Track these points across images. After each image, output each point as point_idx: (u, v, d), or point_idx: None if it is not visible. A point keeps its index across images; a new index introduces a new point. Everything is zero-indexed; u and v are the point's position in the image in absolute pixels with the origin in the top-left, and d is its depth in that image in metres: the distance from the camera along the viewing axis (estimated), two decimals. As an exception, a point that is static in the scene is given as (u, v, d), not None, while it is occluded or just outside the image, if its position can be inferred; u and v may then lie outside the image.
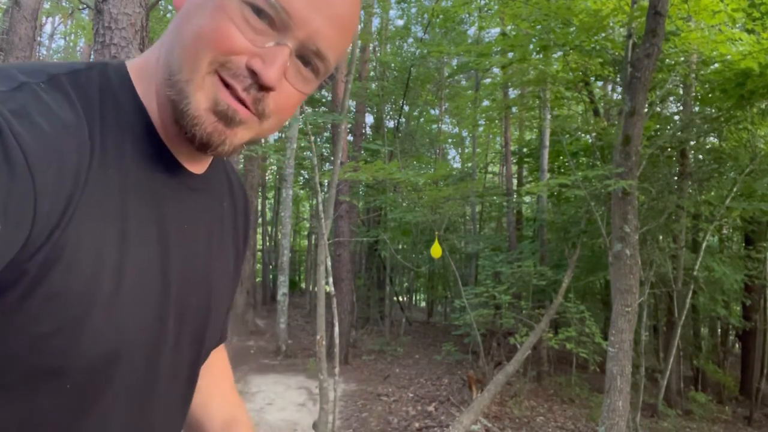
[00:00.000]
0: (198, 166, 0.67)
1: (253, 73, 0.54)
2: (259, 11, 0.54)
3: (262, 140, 16.44)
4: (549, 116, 10.22)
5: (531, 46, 7.43)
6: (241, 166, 12.99)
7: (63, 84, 0.54)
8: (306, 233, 22.75)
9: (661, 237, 8.45)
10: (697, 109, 8.26)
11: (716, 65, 7.04)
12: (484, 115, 12.89)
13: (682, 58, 6.96)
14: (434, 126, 19.04)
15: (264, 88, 0.55)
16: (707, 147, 9.28)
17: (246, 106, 0.56)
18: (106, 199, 0.54)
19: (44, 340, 0.51)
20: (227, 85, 0.55)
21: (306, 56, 0.57)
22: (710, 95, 7.61)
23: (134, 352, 0.58)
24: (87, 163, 0.52)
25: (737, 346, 12.76)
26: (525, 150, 13.53)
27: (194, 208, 0.66)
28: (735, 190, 7.63)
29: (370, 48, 13.51)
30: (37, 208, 0.47)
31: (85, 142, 0.52)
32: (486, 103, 13.18)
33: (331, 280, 5.47)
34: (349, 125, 11.53)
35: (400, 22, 17.23)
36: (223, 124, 0.56)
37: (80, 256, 0.51)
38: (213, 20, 0.54)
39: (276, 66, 0.54)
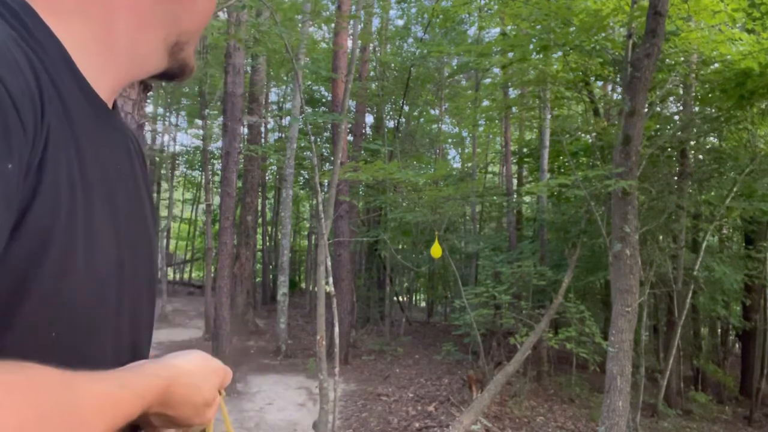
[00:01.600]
0: (110, 103, 0.65)
1: None
2: None
3: (262, 141, 16.43)
4: (549, 116, 10.22)
5: (531, 46, 7.43)
6: (241, 165, 12.99)
7: None
8: (306, 233, 22.74)
9: (661, 237, 8.45)
10: (697, 109, 8.26)
11: (716, 65, 7.04)
12: (484, 115, 12.89)
13: (682, 58, 6.96)
14: (434, 126, 19.04)
15: None
16: (707, 147, 9.29)
17: None
18: (64, 133, 0.51)
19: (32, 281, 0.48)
20: None
21: None
22: (710, 95, 7.61)
23: (110, 287, 0.57)
24: (39, 95, 0.48)
25: (737, 346, 12.76)
26: (525, 150, 13.54)
27: (120, 146, 0.65)
28: (735, 190, 7.63)
29: (370, 48, 13.51)
30: (29, 144, 0.45)
31: (30, 74, 0.48)
32: (486, 103, 13.18)
33: (331, 280, 5.47)
34: (349, 125, 11.53)
35: (400, 22, 17.23)
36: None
37: (57, 192, 0.49)
38: (211, 5, 0.70)
39: None
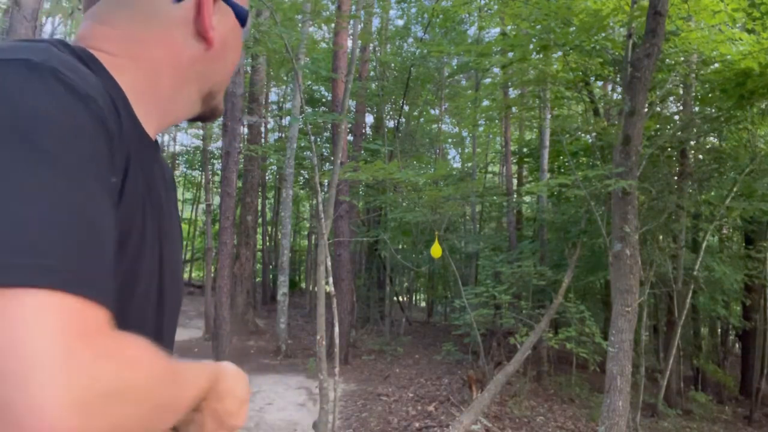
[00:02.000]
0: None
1: None
2: None
3: (262, 141, 16.42)
4: (549, 116, 10.22)
5: (531, 46, 7.43)
6: (241, 165, 13.00)
7: (56, 56, 0.57)
8: (306, 233, 22.74)
9: (661, 237, 8.45)
10: (697, 109, 8.26)
11: (716, 65, 7.04)
12: (484, 115, 12.90)
13: (682, 58, 6.96)
14: (434, 126, 19.04)
15: None
16: (707, 147, 9.29)
17: None
18: (135, 159, 0.61)
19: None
20: None
21: None
22: (710, 95, 7.61)
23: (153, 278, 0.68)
24: (120, 129, 0.57)
25: (737, 346, 12.76)
26: (525, 150, 13.54)
27: (160, 174, 0.75)
28: (735, 190, 7.63)
29: (370, 48, 13.50)
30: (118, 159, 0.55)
31: (113, 112, 0.57)
32: (486, 103, 13.18)
33: (331, 280, 5.47)
34: (349, 125, 11.52)
35: (400, 22, 17.22)
36: None
37: (132, 205, 0.59)
38: (237, 55, 0.79)
39: None
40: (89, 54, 0.62)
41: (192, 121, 0.82)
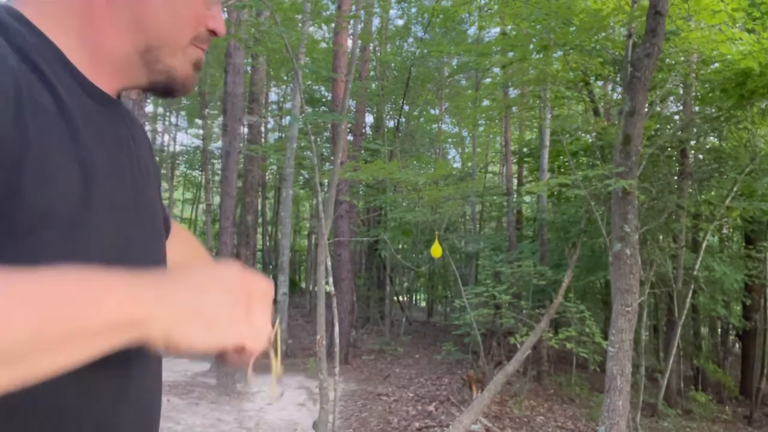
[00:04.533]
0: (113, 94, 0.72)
1: (213, 33, 0.71)
2: None
3: (262, 140, 16.42)
4: (549, 116, 10.22)
5: (531, 46, 7.42)
6: (241, 165, 12.98)
7: None
8: (306, 233, 22.73)
9: (661, 237, 8.44)
10: (697, 108, 8.26)
11: (716, 65, 7.04)
12: (484, 114, 12.89)
13: (682, 58, 6.95)
14: (434, 126, 19.04)
15: (216, 36, 0.72)
16: (707, 147, 9.28)
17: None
18: (55, 119, 0.56)
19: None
20: (199, 49, 0.71)
21: None
22: (710, 95, 7.61)
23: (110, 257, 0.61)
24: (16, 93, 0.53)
25: (737, 346, 12.76)
26: (525, 150, 13.53)
27: (124, 132, 0.71)
28: (735, 189, 7.63)
29: (370, 48, 13.50)
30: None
31: (10, 63, 0.53)
32: (486, 102, 13.18)
33: (331, 280, 5.47)
34: (349, 125, 11.52)
35: (400, 22, 17.22)
36: (196, 71, 0.72)
37: (54, 174, 0.54)
38: (190, 5, 0.68)
39: (221, 20, 0.72)
40: (13, 11, 0.60)
41: (154, 94, 0.73)
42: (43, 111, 0.54)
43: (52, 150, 0.54)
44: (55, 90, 0.57)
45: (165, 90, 0.71)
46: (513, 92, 11.81)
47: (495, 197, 14.35)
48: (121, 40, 0.66)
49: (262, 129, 16.62)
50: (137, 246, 0.67)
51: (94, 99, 0.64)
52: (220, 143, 13.91)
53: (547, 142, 10.39)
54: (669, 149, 8.18)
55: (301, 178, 17.72)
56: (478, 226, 15.70)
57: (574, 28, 6.68)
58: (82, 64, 0.63)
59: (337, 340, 5.34)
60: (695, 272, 8.04)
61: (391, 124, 15.73)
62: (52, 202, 0.53)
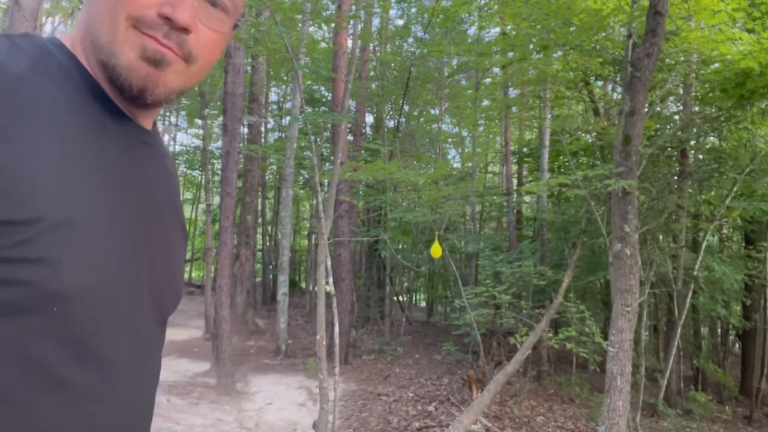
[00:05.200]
0: (145, 124, 0.70)
1: (167, 19, 0.60)
2: None
3: (262, 140, 16.41)
4: (549, 116, 10.22)
5: (531, 46, 7.42)
6: (241, 165, 12.98)
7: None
8: (306, 233, 22.72)
9: (661, 237, 8.44)
10: (697, 108, 8.25)
11: (716, 65, 7.04)
12: (484, 114, 12.89)
13: (682, 58, 6.95)
14: (434, 126, 19.03)
15: (180, 29, 0.61)
16: (707, 147, 9.28)
17: (173, 51, 0.62)
18: (57, 135, 0.56)
19: (23, 268, 0.52)
20: (149, 37, 0.61)
21: None
22: (710, 95, 7.61)
23: (117, 286, 0.60)
24: (20, 94, 0.54)
25: (737, 346, 12.76)
26: (525, 150, 13.53)
27: (149, 162, 0.70)
28: (735, 189, 7.63)
29: (370, 48, 13.49)
30: None
31: (13, 73, 0.55)
32: (486, 102, 13.18)
33: (331, 280, 5.47)
34: (349, 125, 11.52)
35: (400, 22, 17.21)
36: (153, 67, 0.61)
37: (32, 185, 0.53)
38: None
39: (184, 6, 0.60)
40: (55, 40, 0.63)
41: (125, 100, 0.66)
42: (28, 126, 0.54)
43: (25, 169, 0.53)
44: (61, 106, 0.57)
45: (121, 90, 0.62)
46: (513, 92, 11.81)
47: (495, 197, 14.35)
48: (87, 48, 0.64)
49: (262, 129, 16.62)
50: (149, 270, 0.67)
51: (111, 116, 0.64)
52: (220, 143, 13.90)
53: (547, 142, 10.39)
54: (669, 149, 8.17)
55: (301, 178, 17.72)
56: (478, 226, 15.70)
57: (574, 28, 6.68)
58: (101, 82, 0.64)
59: (337, 340, 5.34)
60: (695, 272, 8.04)
61: (391, 124, 15.73)
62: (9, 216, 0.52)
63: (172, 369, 8.10)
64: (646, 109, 5.29)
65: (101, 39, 0.60)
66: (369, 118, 15.56)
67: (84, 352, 0.57)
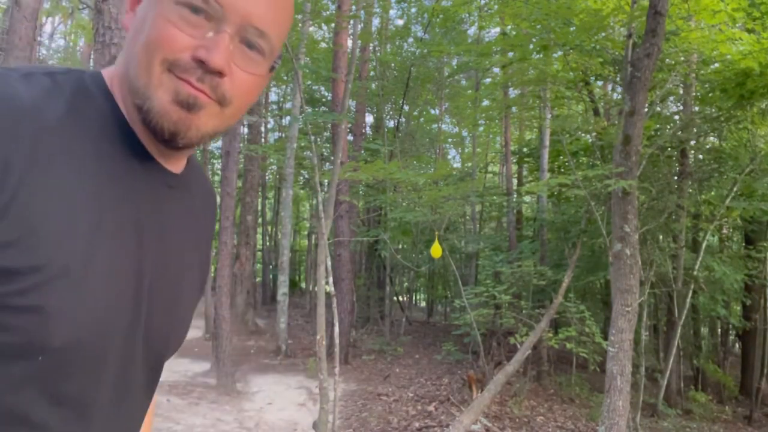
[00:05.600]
0: (175, 166, 0.71)
1: (201, 63, 0.59)
2: (194, 8, 0.59)
3: (262, 140, 16.42)
4: (549, 116, 10.22)
5: (531, 46, 7.42)
6: (241, 165, 12.99)
7: (37, 77, 0.59)
8: (306, 233, 22.73)
9: (661, 237, 8.44)
10: (697, 108, 8.25)
11: (716, 65, 7.03)
12: (484, 114, 12.90)
13: (682, 58, 6.95)
14: (434, 126, 19.04)
15: (215, 72, 0.60)
16: (707, 147, 9.28)
17: (206, 95, 0.61)
18: (75, 182, 0.57)
19: (9, 316, 0.52)
20: (183, 81, 0.61)
21: (248, 39, 0.62)
22: (710, 95, 7.60)
23: (106, 337, 0.60)
24: (49, 142, 0.55)
25: (737, 346, 12.76)
26: (525, 150, 13.53)
27: (171, 205, 0.70)
28: (735, 189, 7.63)
29: (370, 48, 13.49)
30: None
31: (51, 125, 0.56)
32: (486, 102, 13.19)
33: (331, 280, 5.47)
34: (349, 125, 11.52)
35: (400, 22, 17.21)
36: (186, 111, 0.61)
37: (40, 223, 0.54)
38: (155, 28, 0.60)
39: (219, 50, 0.59)
40: (97, 78, 0.65)
41: (159, 141, 0.65)
42: (42, 165, 0.54)
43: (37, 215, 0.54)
44: (85, 148, 0.59)
45: (153, 133, 0.63)
46: (513, 92, 11.81)
47: (495, 197, 14.35)
48: (124, 88, 0.65)
49: (262, 129, 16.63)
50: (149, 318, 0.66)
51: (138, 159, 0.64)
52: (220, 143, 13.90)
53: (547, 142, 10.39)
54: (669, 149, 8.17)
55: (301, 178, 17.72)
56: (478, 226, 15.70)
57: (574, 28, 6.68)
58: (134, 124, 0.64)
59: (337, 340, 5.34)
60: (695, 272, 8.04)
61: (391, 124, 15.73)
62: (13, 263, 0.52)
63: (172, 369, 8.10)
64: (646, 109, 5.29)
65: (137, 82, 0.61)
66: (369, 118, 15.58)
67: (63, 401, 0.57)
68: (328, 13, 13.54)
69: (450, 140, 19.87)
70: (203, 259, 0.80)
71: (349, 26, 10.14)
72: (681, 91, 8.29)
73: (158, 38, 0.59)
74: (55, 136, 0.56)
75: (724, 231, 11.08)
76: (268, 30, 0.63)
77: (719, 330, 12.11)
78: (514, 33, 8.19)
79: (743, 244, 10.69)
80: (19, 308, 0.53)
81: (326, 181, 9.23)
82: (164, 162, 0.69)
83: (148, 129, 0.62)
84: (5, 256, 0.52)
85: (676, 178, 8.56)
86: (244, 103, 0.66)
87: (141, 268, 0.64)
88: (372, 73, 14.06)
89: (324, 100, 16.59)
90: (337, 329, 5.41)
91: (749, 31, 6.29)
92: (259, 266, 19.86)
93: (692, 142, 8.71)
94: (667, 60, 6.93)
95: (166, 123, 0.61)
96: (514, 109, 11.43)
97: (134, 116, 0.63)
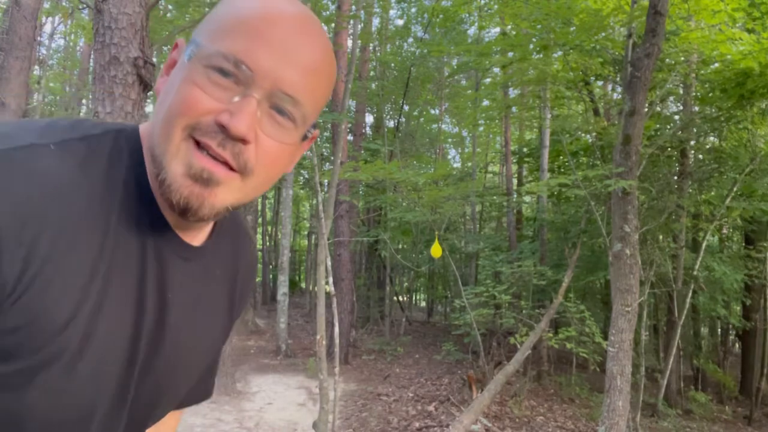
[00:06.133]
0: (195, 237, 0.68)
1: (223, 128, 0.56)
2: (223, 72, 0.56)
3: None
4: (549, 116, 10.22)
5: (531, 46, 7.42)
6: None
7: (72, 145, 0.57)
8: (306, 233, 22.75)
9: (661, 237, 8.44)
10: (697, 108, 8.25)
11: (716, 65, 7.03)
12: (484, 114, 12.88)
13: (682, 58, 6.95)
14: (434, 126, 19.04)
15: (237, 139, 0.56)
16: (707, 147, 9.28)
17: (226, 163, 0.57)
18: (89, 260, 0.56)
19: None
20: (202, 146, 0.57)
21: (279, 105, 0.58)
22: (710, 95, 7.60)
23: (87, 416, 0.59)
24: (74, 225, 0.54)
25: (737, 345, 12.76)
26: (525, 150, 13.53)
27: (185, 277, 0.67)
28: (735, 189, 7.63)
29: (370, 48, 13.50)
30: (2, 267, 0.50)
31: (78, 205, 0.55)
32: (486, 102, 13.17)
33: (331, 280, 5.47)
34: (349, 125, 11.52)
35: (400, 22, 17.22)
36: (199, 186, 0.57)
37: (48, 313, 0.53)
38: (180, 91, 0.57)
39: (243, 115, 0.55)
40: (132, 140, 0.63)
41: (177, 212, 0.61)
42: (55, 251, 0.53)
43: (44, 304, 0.53)
44: (107, 222, 0.58)
45: (170, 204, 0.59)
46: (513, 92, 11.81)
47: (495, 197, 14.35)
48: (147, 153, 0.63)
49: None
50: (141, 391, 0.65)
51: (156, 231, 0.63)
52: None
53: (547, 142, 10.39)
54: (669, 149, 8.17)
55: (301, 178, 17.73)
56: (478, 226, 15.70)
57: (574, 28, 6.68)
58: (155, 192, 0.62)
59: (337, 340, 5.34)
60: (695, 272, 8.04)
61: (391, 124, 15.73)
62: (21, 346, 0.52)
63: (172, 369, 8.09)
64: (646, 109, 5.29)
65: (157, 149, 0.58)
66: (369, 118, 15.58)
67: None
68: (328, 13, 13.54)
69: (450, 140, 19.88)
70: (224, 323, 0.78)
71: (349, 26, 10.15)
72: (681, 91, 8.29)
73: (182, 102, 0.57)
74: (81, 218, 0.55)
75: (724, 231, 11.08)
76: (301, 97, 0.59)
77: (719, 330, 12.12)
78: (514, 33, 8.19)
79: (743, 244, 10.69)
80: (8, 386, 0.53)
81: (326, 181, 9.23)
82: (182, 233, 0.66)
83: (164, 200, 0.60)
84: (9, 340, 0.52)
85: (676, 178, 8.56)
86: (270, 175, 0.61)
87: (136, 346, 0.62)
88: (372, 73, 14.06)
89: (324, 100, 16.56)
90: (337, 329, 5.41)
91: (749, 31, 6.29)
92: (259, 266, 19.86)
93: (692, 142, 8.71)
94: (667, 60, 6.93)
95: (177, 197, 0.57)
96: (514, 109, 11.43)
97: (154, 185, 0.61)
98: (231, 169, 0.57)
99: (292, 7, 0.60)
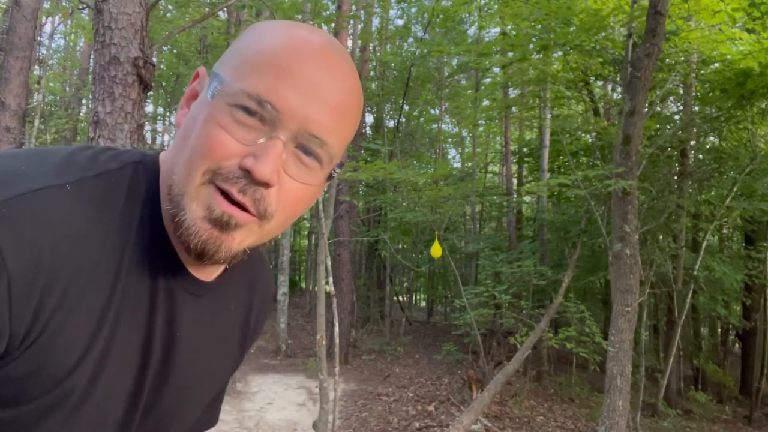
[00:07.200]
0: (206, 273, 0.68)
1: (247, 173, 0.55)
2: (247, 111, 0.55)
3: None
4: (549, 116, 10.22)
5: (531, 46, 7.42)
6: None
7: (89, 184, 0.57)
8: (306, 233, 22.74)
9: (661, 237, 8.44)
10: (697, 108, 8.25)
11: (716, 65, 7.04)
12: (484, 114, 12.88)
13: (682, 58, 6.95)
14: (434, 126, 19.05)
15: (261, 184, 0.55)
16: (707, 147, 9.28)
17: (245, 209, 0.56)
18: (100, 305, 0.55)
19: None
20: (223, 192, 0.56)
21: (305, 145, 0.57)
22: (710, 95, 7.61)
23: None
24: (86, 273, 0.54)
25: (737, 346, 12.76)
26: (525, 150, 13.54)
27: (195, 313, 0.67)
28: (735, 189, 7.63)
29: (370, 48, 13.50)
30: (12, 317, 0.49)
31: (92, 252, 0.54)
32: (486, 102, 13.17)
33: (331, 280, 5.47)
34: (349, 125, 11.49)
35: (400, 22, 17.23)
36: (218, 230, 0.56)
37: (58, 359, 0.53)
38: (203, 131, 0.56)
39: (268, 160, 0.54)
40: (151, 174, 0.62)
41: (192, 255, 0.60)
42: (67, 299, 0.53)
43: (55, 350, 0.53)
44: (120, 262, 0.57)
45: (186, 247, 0.58)
46: (513, 92, 11.80)
47: (495, 197, 14.35)
48: (164, 189, 0.62)
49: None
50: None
51: (166, 269, 0.62)
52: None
53: (547, 142, 10.39)
54: (669, 149, 8.18)
55: (301, 178, 17.71)
56: (478, 226, 15.71)
57: (574, 28, 6.68)
58: (169, 229, 0.62)
59: (337, 340, 5.34)
60: (695, 272, 8.04)
61: (391, 124, 15.73)
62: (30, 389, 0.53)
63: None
64: (646, 109, 5.29)
65: (175, 189, 0.57)
66: (369, 118, 15.58)
67: None
68: (328, 13, 13.54)
69: (450, 140, 19.88)
70: (235, 356, 0.79)
71: (349, 26, 10.15)
72: (681, 91, 8.29)
73: (206, 145, 0.55)
74: (94, 265, 0.54)
75: (724, 231, 11.08)
76: (328, 138, 0.57)
77: (719, 330, 12.12)
78: (514, 33, 8.19)
79: (743, 244, 10.69)
80: (15, 430, 0.53)
81: (326, 181, 9.21)
82: (195, 270, 0.65)
83: (180, 242, 0.59)
84: (19, 386, 0.52)
85: (676, 178, 8.56)
86: (290, 216, 0.60)
87: (141, 385, 0.62)
88: (372, 73, 14.06)
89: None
90: (337, 329, 5.41)
91: (749, 31, 6.29)
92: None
93: (692, 142, 8.72)
94: (667, 60, 6.93)
95: (195, 240, 0.56)
96: (514, 109, 11.42)
97: (169, 224, 0.60)
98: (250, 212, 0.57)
99: (318, 38, 0.58)
